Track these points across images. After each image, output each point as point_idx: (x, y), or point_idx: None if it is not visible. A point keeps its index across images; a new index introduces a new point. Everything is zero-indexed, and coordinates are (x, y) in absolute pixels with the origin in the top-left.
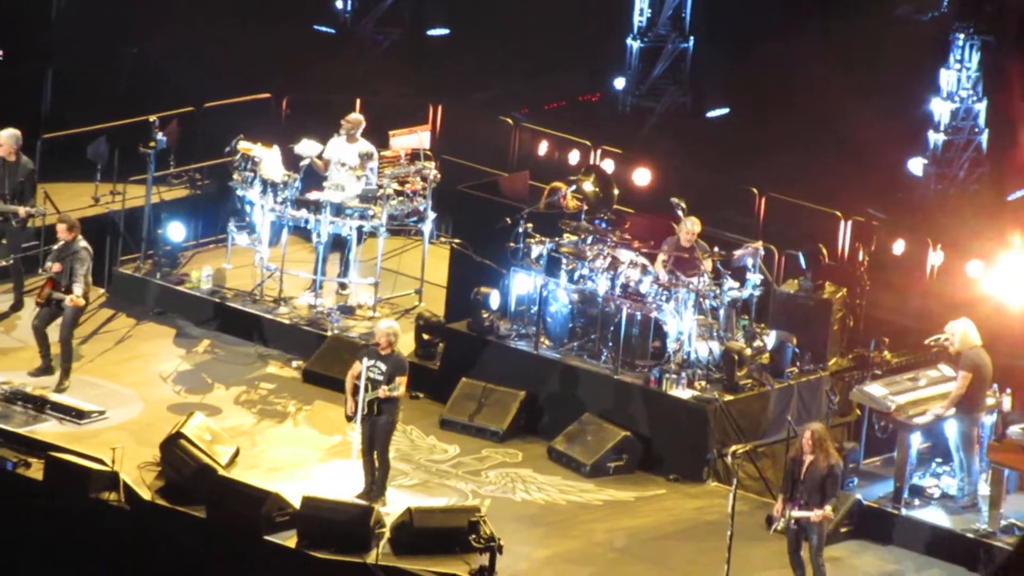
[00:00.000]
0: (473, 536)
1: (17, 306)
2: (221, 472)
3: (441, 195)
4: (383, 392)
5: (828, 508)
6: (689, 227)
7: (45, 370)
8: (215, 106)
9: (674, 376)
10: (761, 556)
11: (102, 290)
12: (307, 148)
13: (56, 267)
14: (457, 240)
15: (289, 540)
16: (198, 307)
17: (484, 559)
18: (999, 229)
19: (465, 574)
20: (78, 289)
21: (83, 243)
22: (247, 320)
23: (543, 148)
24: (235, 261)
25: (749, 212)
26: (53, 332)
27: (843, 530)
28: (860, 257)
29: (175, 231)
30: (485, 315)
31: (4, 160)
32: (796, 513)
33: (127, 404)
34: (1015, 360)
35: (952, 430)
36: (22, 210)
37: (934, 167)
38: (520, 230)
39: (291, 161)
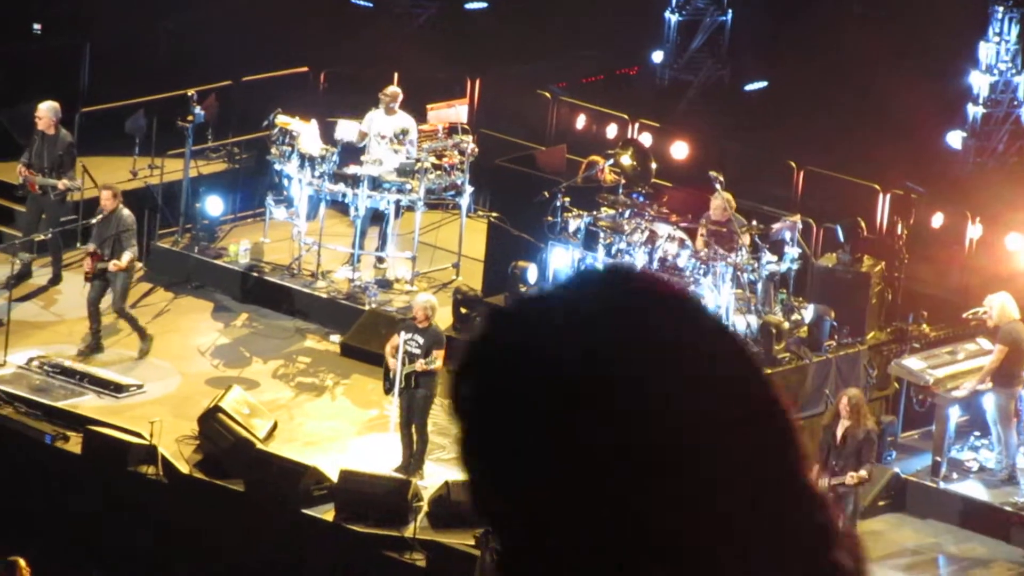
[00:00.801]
0: None
1: (55, 280)
2: (259, 446)
3: (479, 169)
4: (420, 366)
5: (863, 472)
6: (719, 202)
7: (95, 348)
8: (253, 80)
9: None
10: None
11: (140, 264)
12: (346, 131)
13: (91, 247)
14: (495, 214)
15: (327, 514)
16: (236, 281)
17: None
18: None
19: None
20: (125, 256)
21: (126, 211)
22: (285, 294)
23: (581, 122)
24: (273, 235)
25: (787, 185)
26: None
27: (881, 503)
28: (899, 230)
29: (213, 205)
30: (523, 289)
31: (43, 133)
32: (832, 480)
33: (165, 378)
34: None
35: (990, 403)
36: (61, 183)
37: (973, 140)
38: (558, 204)
39: (329, 135)
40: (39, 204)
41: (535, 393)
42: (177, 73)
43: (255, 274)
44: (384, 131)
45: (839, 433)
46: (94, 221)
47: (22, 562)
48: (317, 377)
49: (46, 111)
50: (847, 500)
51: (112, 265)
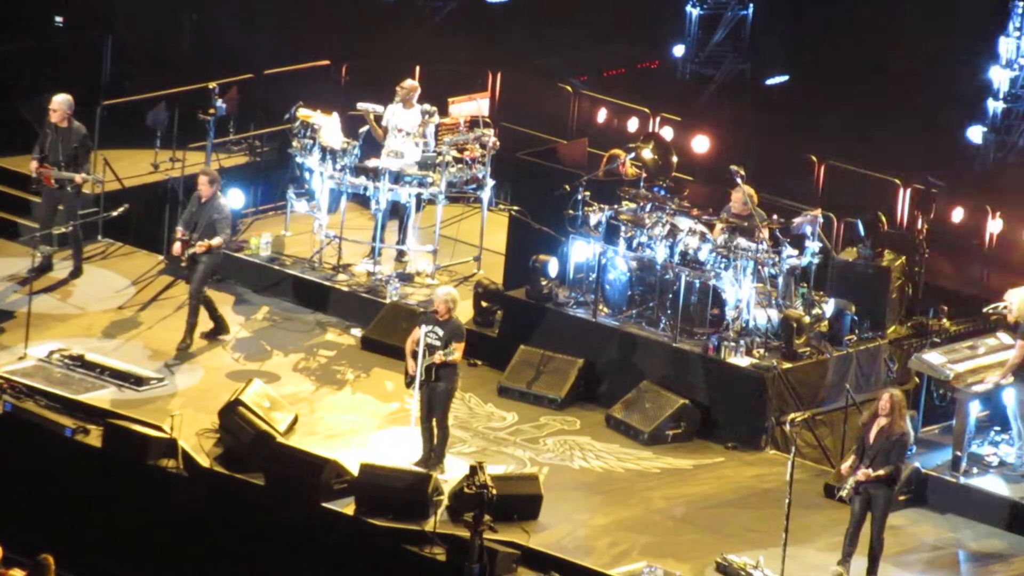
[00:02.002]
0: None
1: (76, 273)
2: (279, 439)
3: (500, 162)
4: (439, 357)
5: (882, 471)
6: (739, 195)
7: (219, 329)
8: (274, 73)
9: (732, 344)
10: (819, 524)
11: (161, 256)
12: (366, 105)
13: (180, 232)
14: (516, 207)
15: (347, 507)
16: (257, 274)
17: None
18: None
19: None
20: (216, 239)
21: (223, 199)
22: (306, 287)
23: (602, 115)
24: (294, 228)
25: (808, 179)
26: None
27: (902, 498)
28: (919, 225)
29: (234, 198)
30: (544, 282)
31: (56, 126)
32: (858, 476)
33: (186, 371)
34: None
35: (1010, 398)
36: (79, 176)
37: (993, 135)
38: (579, 197)
39: (350, 128)
40: (55, 198)
41: None
42: (199, 66)
43: (276, 267)
44: (402, 125)
45: (873, 430)
46: (192, 204)
47: (51, 560)
48: (338, 370)
49: (60, 103)
50: (876, 504)
51: (199, 246)
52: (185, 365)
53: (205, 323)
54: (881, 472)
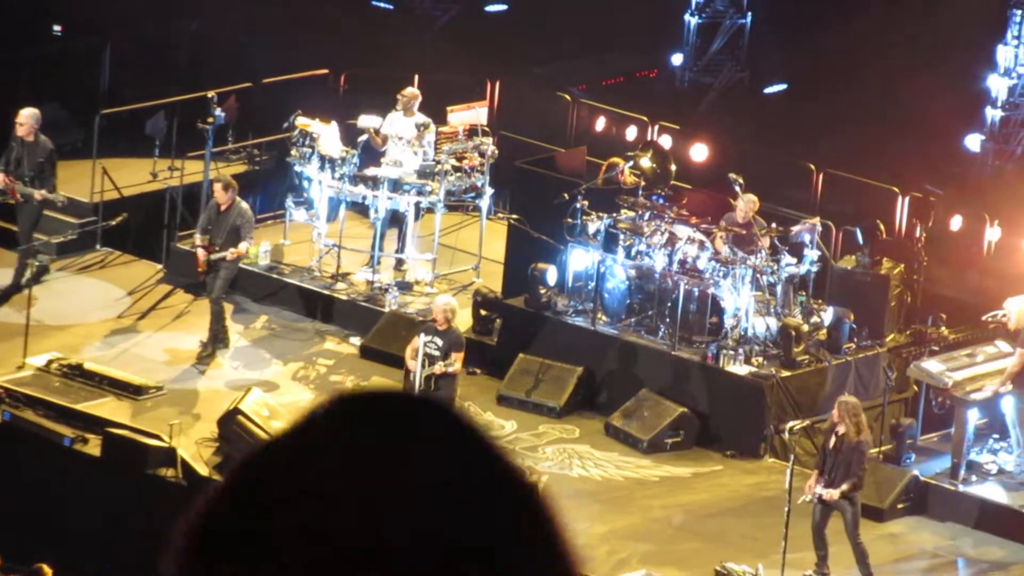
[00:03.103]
0: None
1: (15, 288)
2: None
3: (499, 171)
4: (439, 368)
5: (845, 486)
6: (744, 204)
7: (221, 342)
8: (273, 82)
9: (731, 352)
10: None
11: (160, 266)
12: (367, 120)
13: (200, 239)
14: (514, 216)
15: None
16: (256, 283)
17: None
18: None
19: None
20: (242, 245)
21: (244, 204)
22: (305, 296)
23: (600, 124)
24: (293, 237)
25: (806, 188)
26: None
27: (900, 506)
28: (918, 233)
29: None
30: (542, 291)
31: (23, 140)
32: (819, 491)
33: (185, 380)
34: None
35: (1009, 406)
36: (37, 194)
37: (991, 143)
38: (577, 206)
39: (349, 137)
40: (32, 208)
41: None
42: (197, 75)
43: (275, 276)
44: (402, 133)
45: (832, 441)
46: (209, 211)
47: (47, 570)
48: (337, 379)
49: (27, 117)
50: (843, 510)
51: (229, 253)
52: (184, 374)
53: (191, 329)
54: (845, 487)
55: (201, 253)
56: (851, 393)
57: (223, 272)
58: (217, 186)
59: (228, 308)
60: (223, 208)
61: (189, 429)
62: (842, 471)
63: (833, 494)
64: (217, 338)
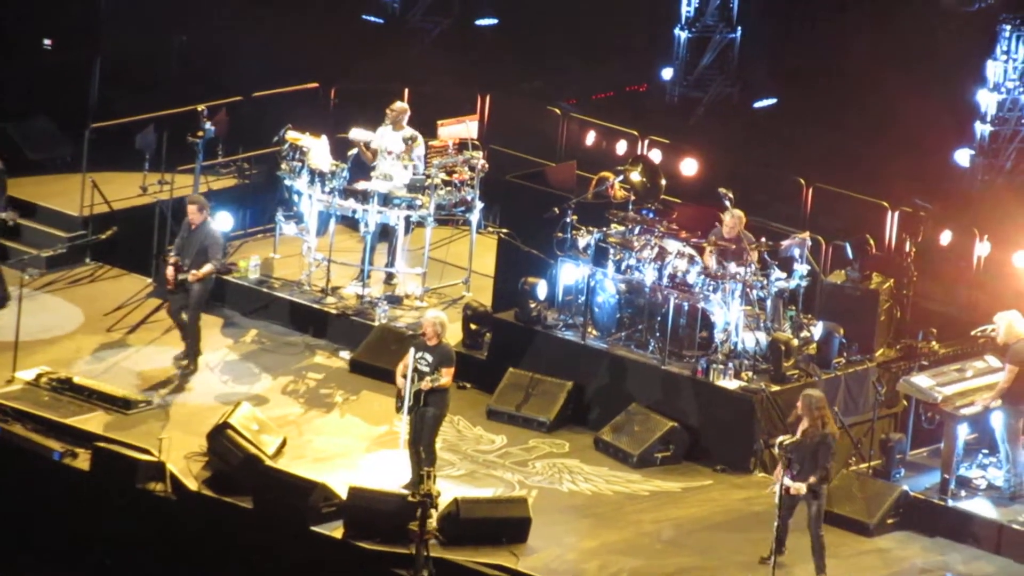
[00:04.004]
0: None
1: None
2: (268, 462)
3: (489, 185)
4: (426, 384)
5: (812, 478)
6: (730, 220)
7: (193, 355)
8: (263, 96)
9: (721, 366)
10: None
11: (150, 279)
12: (358, 134)
13: (172, 258)
14: (505, 230)
15: (335, 531)
16: (246, 296)
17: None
18: None
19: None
20: (205, 267)
21: (214, 224)
22: (294, 310)
23: (591, 138)
24: (283, 251)
25: (796, 202)
26: None
27: (889, 521)
28: (907, 248)
29: (223, 220)
30: (532, 305)
31: None
32: (786, 482)
33: (174, 394)
34: None
35: (998, 422)
36: None
37: (981, 158)
38: (567, 220)
39: (339, 151)
40: None
41: None
42: (187, 88)
43: (265, 289)
44: (391, 147)
45: (798, 434)
46: (183, 231)
47: None
48: (326, 393)
49: None
50: (809, 503)
51: (191, 275)
52: (173, 388)
53: (180, 345)
54: (812, 480)
55: (170, 271)
56: (841, 408)
57: (195, 292)
58: (192, 206)
59: (218, 322)
60: (194, 228)
61: (178, 443)
62: (808, 464)
63: (800, 487)
64: (194, 353)
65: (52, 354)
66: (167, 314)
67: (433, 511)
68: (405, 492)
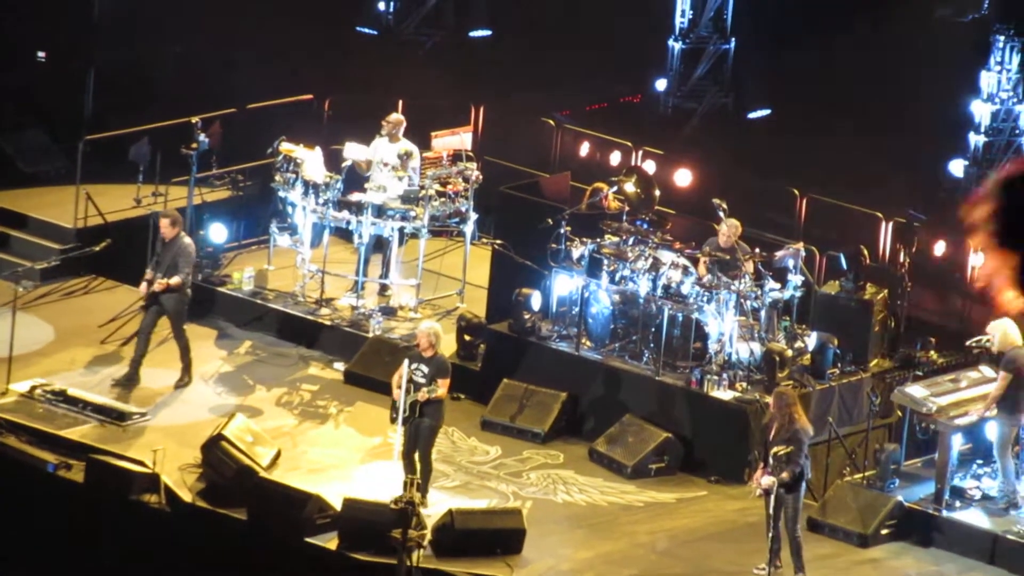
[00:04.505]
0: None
1: None
2: (262, 474)
3: (483, 196)
4: (422, 395)
5: (784, 474)
6: (727, 229)
7: (131, 379)
8: (257, 107)
9: (715, 377)
10: (803, 558)
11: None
12: (354, 151)
13: (148, 274)
14: (499, 241)
15: (330, 542)
16: (240, 308)
17: (511, 559)
18: None
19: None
20: (175, 278)
21: (187, 239)
22: (289, 321)
23: (584, 149)
24: (277, 262)
25: (790, 213)
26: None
27: (884, 532)
28: (901, 258)
29: (217, 232)
30: (526, 316)
31: None
32: (763, 481)
33: (168, 406)
34: None
35: (993, 432)
36: None
37: (975, 168)
38: (561, 231)
39: (333, 163)
40: None
41: None
42: (181, 100)
43: (259, 301)
44: (387, 159)
45: (772, 433)
46: (158, 247)
47: None
48: (320, 405)
49: None
50: (785, 503)
51: (158, 284)
52: (167, 399)
53: (174, 355)
54: (784, 475)
55: (143, 286)
56: (835, 419)
57: (171, 307)
58: (164, 220)
59: (212, 334)
60: (167, 241)
61: (172, 455)
62: (783, 460)
63: (772, 480)
64: (187, 365)
65: (46, 366)
66: (138, 330)
67: (415, 518)
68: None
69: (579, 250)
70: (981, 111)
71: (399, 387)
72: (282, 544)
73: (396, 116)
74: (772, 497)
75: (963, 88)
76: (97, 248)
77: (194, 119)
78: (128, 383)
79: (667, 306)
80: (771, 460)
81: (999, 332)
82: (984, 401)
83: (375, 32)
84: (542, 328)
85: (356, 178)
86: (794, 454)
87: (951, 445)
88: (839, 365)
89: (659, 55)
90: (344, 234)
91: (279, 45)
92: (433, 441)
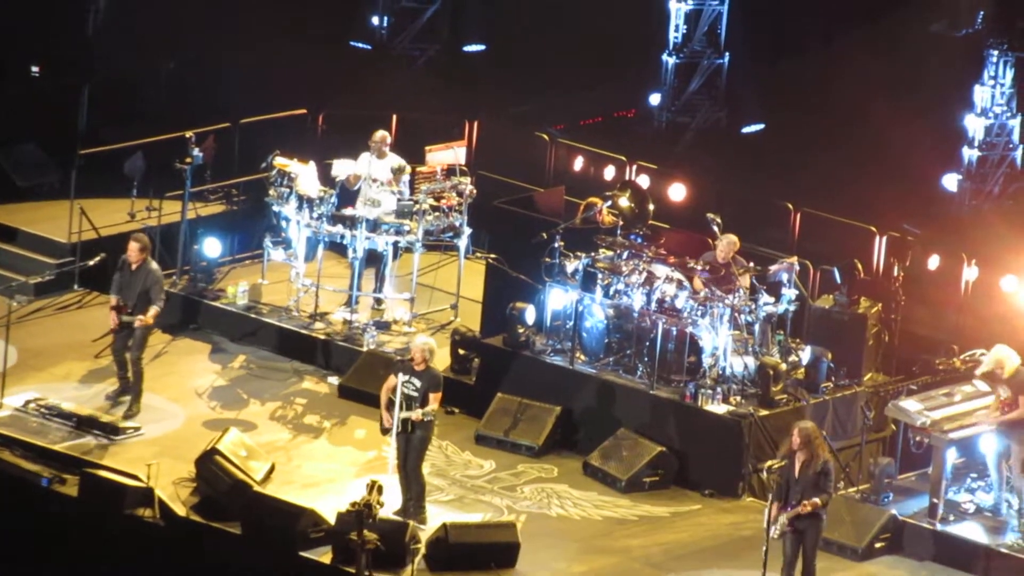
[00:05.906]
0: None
1: None
2: (256, 488)
3: (477, 210)
4: (416, 416)
5: (816, 499)
6: (724, 244)
7: (123, 391)
8: (251, 122)
9: (709, 391)
10: (796, 571)
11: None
12: (341, 168)
13: (114, 300)
14: (493, 255)
15: (324, 556)
16: (234, 322)
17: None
18: None
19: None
20: (151, 311)
21: (155, 265)
22: (283, 335)
23: (579, 164)
24: (271, 277)
25: (784, 227)
26: None
27: (878, 545)
28: (895, 272)
29: (211, 247)
30: (521, 330)
31: None
32: (789, 513)
33: (162, 420)
34: None
35: (989, 446)
36: None
37: (968, 183)
38: (556, 245)
39: (327, 177)
40: None
41: None
42: (175, 115)
43: (253, 315)
44: (376, 175)
45: (796, 467)
46: (120, 270)
47: None
48: (315, 419)
49: None
50: (808, 533)
51: (138, 321)
52: (161, 414)
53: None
54: (817, 501)
55: (113, 315)
56: (829, 432)
57: (138, 333)
58: (133, 244)
59: (206, 348)
60: (134, 267)
61: (167, 469)
62: (811, 492)
63: (805, 506)
64: (136, 394)
65: (40, 380)
66: (111, 352)
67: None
68: (395, 518)
69: (573, 264)
70: (975, 125)
71: (389, 399)
72: (276, 558)
73: (381, 133)
74: (793, 534)
75: (957, 103)
76: (91, 262)
77: (188, 134)
78: (120, 398)
79: (661, 320)
80: (785, 490)
81: (1003, 358)
82: (977, 415)
83: (369, 46)
84: (536, 342)
85: (350, 192)
86: (823, 483)
87: (945, 459)
88: (833, 379)
89: (653, 70)
90: (338, 248)
91: (273, 60)
92: (423, 453)
